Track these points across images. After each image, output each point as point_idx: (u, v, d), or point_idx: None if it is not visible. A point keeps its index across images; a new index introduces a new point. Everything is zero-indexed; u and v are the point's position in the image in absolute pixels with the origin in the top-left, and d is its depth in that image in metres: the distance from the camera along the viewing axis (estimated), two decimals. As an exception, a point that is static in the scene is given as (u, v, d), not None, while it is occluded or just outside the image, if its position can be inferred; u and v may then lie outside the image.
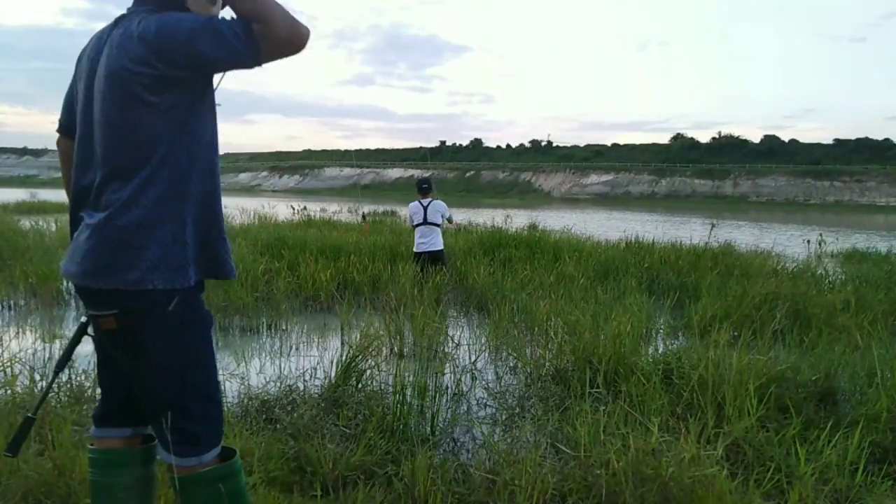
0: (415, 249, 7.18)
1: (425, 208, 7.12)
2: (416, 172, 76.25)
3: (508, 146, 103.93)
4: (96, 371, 1.77)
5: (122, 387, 1.65)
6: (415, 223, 7.21)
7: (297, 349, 4.90)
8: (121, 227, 1.45)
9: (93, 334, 1.63)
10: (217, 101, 1.57)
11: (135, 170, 1.46)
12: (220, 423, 1.63)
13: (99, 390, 1.82)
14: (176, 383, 1.53)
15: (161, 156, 1.46)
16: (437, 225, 7.18)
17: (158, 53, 1.40)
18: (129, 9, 1.56)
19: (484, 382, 3.86)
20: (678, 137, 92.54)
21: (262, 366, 4.38)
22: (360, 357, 3.66)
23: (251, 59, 1.43)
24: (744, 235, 17.65)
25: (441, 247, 7.23)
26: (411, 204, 7.33)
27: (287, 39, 1.41)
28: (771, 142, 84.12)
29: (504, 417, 3.30)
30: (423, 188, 7.26)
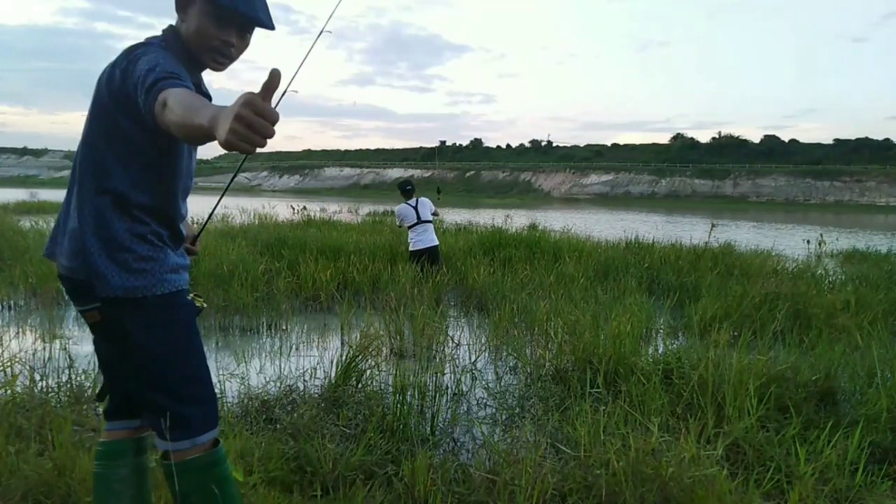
0: (412, 248, 7.22)
1: (415, 208, 7.20)
2: (417, 172, 76.27)
3: (508, 146, 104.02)
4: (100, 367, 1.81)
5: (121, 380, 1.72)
6: (409, 224, 7.27)
7: (297, 349, 4.90)
8: None
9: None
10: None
11: None
12: (210, 404, 1.66)
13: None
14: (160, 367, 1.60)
15: None
16: (430, 221, 7.27)
17: None
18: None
19: (484, 382, 3.86)
20: (678, 137, 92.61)
21: (262, 366, 4.38)
22: (360, 357, 3.65)
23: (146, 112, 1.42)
24: (744, 235, 17.64)
25: (437, 242, 7.33)
26: (399, 207, 7.39)
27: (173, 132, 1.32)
28: (771, 142, 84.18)
29: (504, 417, 3.30)
30: (408, 189, 7.35)
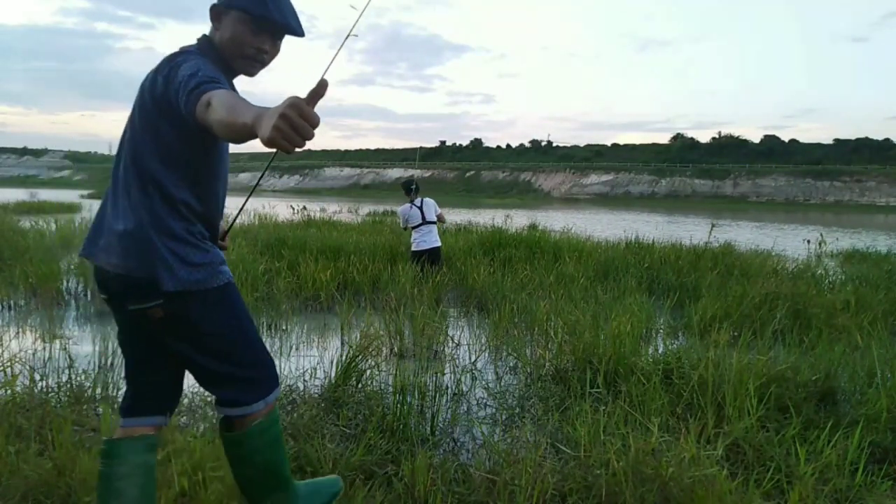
0: (414, 248, 7.19)
1: (420, 208, 7.15)
2: (417, 172, 76.31)
3: (508, 146, 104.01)
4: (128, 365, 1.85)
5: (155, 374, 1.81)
6: (413, 224, 7.22)
7: (297, 349, 4.90)
8: None
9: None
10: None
11: None
12: (272, 365, 1.86)
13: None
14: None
15: None
16: (434, 222, 7.23)
17: None
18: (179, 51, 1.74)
19: (484, 382, 3.86)
20: (678, 137, 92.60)
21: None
22: (360, 357, 3.65)
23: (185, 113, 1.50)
24: (744, 235, 17.64)
25: (440, 243, 7.30)
26: (403, 207, 7.34)
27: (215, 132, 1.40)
28: (771, 142, 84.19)
29: (504, 417, 3.30)
30: (413, 189, 7.28)
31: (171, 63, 1.60)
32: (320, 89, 1.19)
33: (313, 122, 1.13)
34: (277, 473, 1.88)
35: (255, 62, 1.77)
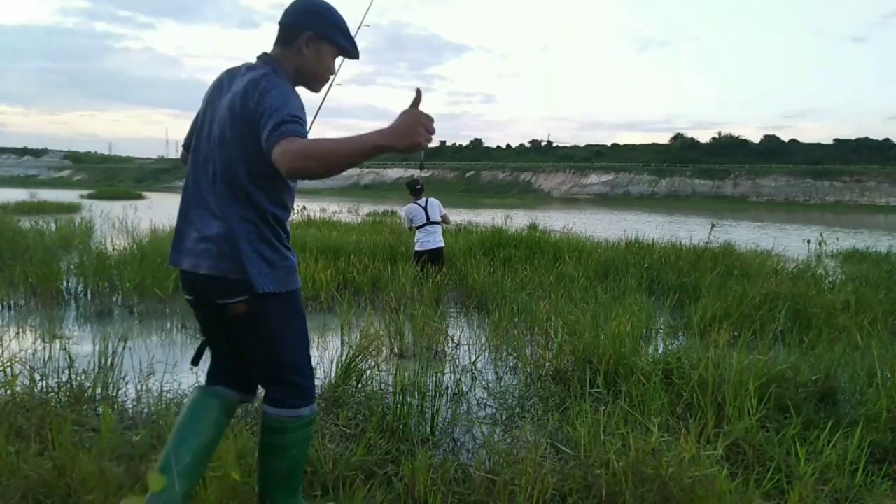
0: (418, 248, 7.17)
1: (424, 208, 7.13)
2: (416, 172, 76.28)
3: (508, 146, 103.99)
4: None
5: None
6: (417, 224, 7.20)
7: (297, 349, 4.89)
8: None
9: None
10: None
11: None
12: (314, 379, 2.06)
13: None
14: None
15: None
16: (438, 223, 7.22)
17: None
18: (262, 57, 1.97)
19: (484, 382, 3.86)
20: (678, 137, 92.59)
21: (262, 366, 4.37)
22: (360, 357, 3.66)
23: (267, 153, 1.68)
24: (744, 235, 17.64)
25: (444, 243, 7.30)
26: (408, 206, 7.32)
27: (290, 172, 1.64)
28: (771, 142, 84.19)
29: (504, 417, 3.30)
30: (418, 189, 7.27)
31: (259, 87, 1.77)
32: (418, 97, 1.59)
33: (431, 121, 1.55)
34: (297, 476, 2.05)
35: (325, 82, 2.06)
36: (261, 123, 1.69)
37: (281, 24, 1.96)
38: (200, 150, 1.91)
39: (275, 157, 1.60)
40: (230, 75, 1.96)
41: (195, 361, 2.10)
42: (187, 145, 2.07)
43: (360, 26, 2.49)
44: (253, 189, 1.83)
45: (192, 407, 1.99)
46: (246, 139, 1.78)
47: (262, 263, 1.84)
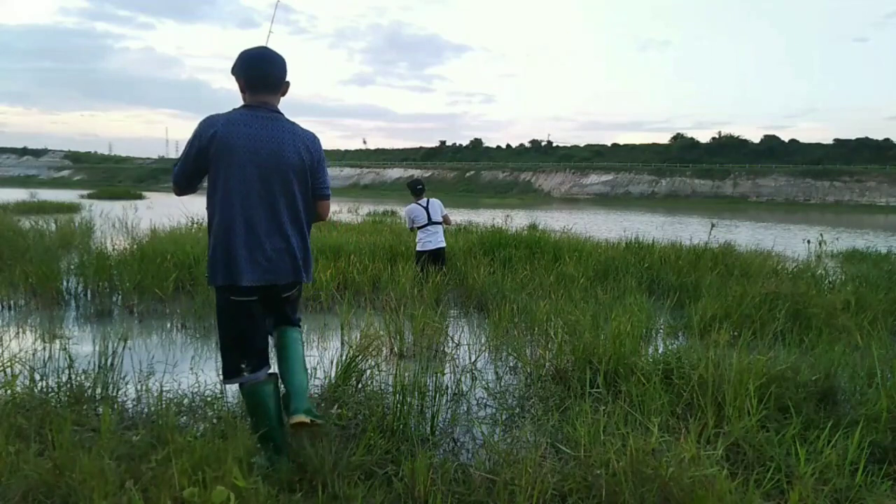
0: (419, 248, 7.16)
1: (426, 208, 7.12)
2: (417, 172, 76.23)
3: (508, 146, 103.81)
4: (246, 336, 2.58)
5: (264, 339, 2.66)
6: (419, 224, 7.19)
7: (297, 349, 4.89)
8: None
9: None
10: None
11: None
12: (226, 359, 2.62)
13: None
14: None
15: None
16: (440, 223, 7.21)
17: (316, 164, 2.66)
18: (268, 106, 2.53)
19: (484, 382, 3.86)
20: (678, 137, 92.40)
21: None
22: (360, 357, 3.66)
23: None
24: (744, 235, 17.64)
25: (445, 243, 7.30)
26: (410, 206, 7.31)
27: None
28: (771, 142, 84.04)
29: (504, 417, 3.30)
30: (419, 189, 7.25)
31: (316, 146, 2.63)
32: None
33: None
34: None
35: None
36: (320, 182, 2.68)
37: (280, 78, 2.53)
38: (251, 183, 2.48)
39: (318, 212, 2.74)
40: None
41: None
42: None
43: (268, 34, 3.01)
44: (304, 214, 2.69)
45: (262, 398, 2.56)
46: (304, 178, 2.59)
47: (306, 265, 2.68)
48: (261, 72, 2.48)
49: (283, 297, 2.63)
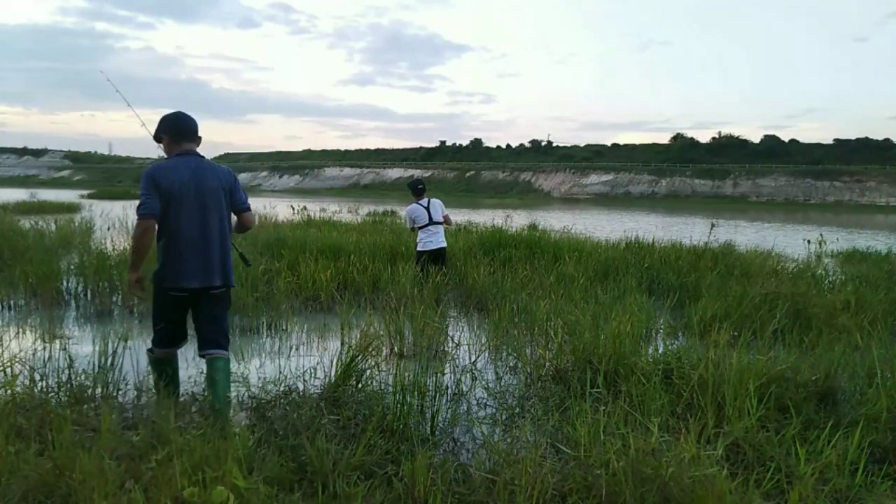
0: (420, 248, 7.15)
1: (427, 208, 7.11)
2: (417, 172, 76.24)
3: (508, 146, 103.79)
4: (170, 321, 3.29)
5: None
6: (420, 224, 7.18)
7: (297, 349, 4.90)
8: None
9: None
10: None
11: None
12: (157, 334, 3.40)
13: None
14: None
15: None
16: (441, 223, 7.20)
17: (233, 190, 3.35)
18: (192, 152, 3.28)
19: (484, 382, 3.86)
20: (678, 137, 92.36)
21: (262, 366, 4.38)
22: (360, 357, 3.65)
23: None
24: (744, 235, 17.64)
25: (446, 243, 7.28)
26: (411, 207, 7.29)
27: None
28: (771, 142, 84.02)
29: (504, 417, 3.30)
30: (420, 189, 7.23)
31: (229, 178, 3.33)
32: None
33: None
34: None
35: None
36: (240, 201, 3.40)
37: (196, 129, 3.29)
38: (209, 206, 3.22)
39: (242, 224, 3.52)
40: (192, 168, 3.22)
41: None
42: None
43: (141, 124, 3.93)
44: (229, 228, 3.37)
45: (164, 366, 3.33)
46: (228, 198, 3.32)
47: (232, 270, 3.39)
48: (183, 125, 3.25)
49: (210, 295, 3.26)
